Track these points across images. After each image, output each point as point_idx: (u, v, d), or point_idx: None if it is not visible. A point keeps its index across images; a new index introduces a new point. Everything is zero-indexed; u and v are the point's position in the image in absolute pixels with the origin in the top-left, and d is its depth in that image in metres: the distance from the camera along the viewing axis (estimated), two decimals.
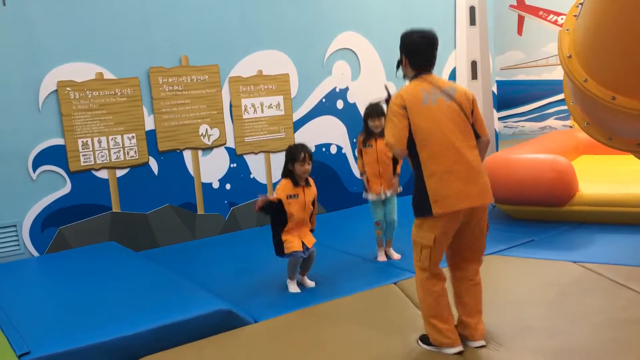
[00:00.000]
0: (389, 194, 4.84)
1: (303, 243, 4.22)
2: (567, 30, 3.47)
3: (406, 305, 3.91)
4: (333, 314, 3.86)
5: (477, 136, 3.22)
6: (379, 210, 4.88)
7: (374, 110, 4.78)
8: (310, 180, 4.33)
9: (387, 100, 3.34)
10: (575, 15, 3.43)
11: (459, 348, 3.20)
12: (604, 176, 6.28)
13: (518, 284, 4.22)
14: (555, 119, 8.55)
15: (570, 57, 3.40)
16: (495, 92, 8.54)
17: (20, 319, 3.58)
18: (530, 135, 8.58)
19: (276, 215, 4.19)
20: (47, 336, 3.30)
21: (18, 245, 5.18)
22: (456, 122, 3.13)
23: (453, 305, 3.33)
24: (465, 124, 3.16)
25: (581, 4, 3.33)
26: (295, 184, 4.21)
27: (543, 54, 8.48)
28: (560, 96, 8.48)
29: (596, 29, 3.13)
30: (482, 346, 3.24)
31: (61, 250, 5.34)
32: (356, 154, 5.03)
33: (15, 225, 5.16)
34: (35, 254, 5.26)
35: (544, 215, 5.77)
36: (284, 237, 4.21)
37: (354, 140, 7.10)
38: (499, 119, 8.81)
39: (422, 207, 3.14)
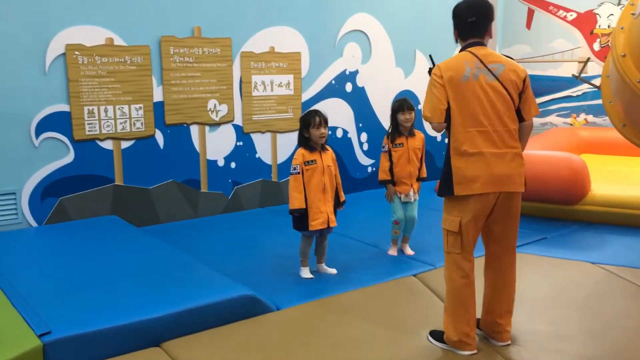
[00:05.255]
0: (416, 196, 4.61)
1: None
2: (622, 28, 3.38)
3: (430, 298, 3.83)
4: (358, 304, 3.74)
5: (522, 119, 3.05)
6: (400, 208, 4.60)
7: (405, 104, 4.47)
8: (327, 147, 4.19)
9: (431, 70, 3.15)
10: (633, 14, 3.34)
11: (472, 351, 3.05)
12: (612, 176, 6.27)
13: (541, 282, 4.15)
14: (557, 115, 8.53)
15: (624, 55, 3.31)
16: None
17: (33, 297, 3.37)
18: None
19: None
20: (65, 316, 3.11)
21: (16, 213, 4.92)
22: (495, 103, 2.95)
23: (480, 305, 3.23)
24: (507, 105, 2.97)
25: None
26: (312, 149, 4.08)
27: (550, 49, 8.43)
28: (563, 93, 8.49)
29: None
30: (507, 344, 3.16)
31: (60, 221, 5.10)
32: (380, 158, 4.62)
33: (14, 193, 4.90)
34: (34, 224, 5.01)
35: (553, 213, 5.73)
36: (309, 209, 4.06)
37: (360, 125, 6.99)
38: None
39: (445, 186, 3.04)
